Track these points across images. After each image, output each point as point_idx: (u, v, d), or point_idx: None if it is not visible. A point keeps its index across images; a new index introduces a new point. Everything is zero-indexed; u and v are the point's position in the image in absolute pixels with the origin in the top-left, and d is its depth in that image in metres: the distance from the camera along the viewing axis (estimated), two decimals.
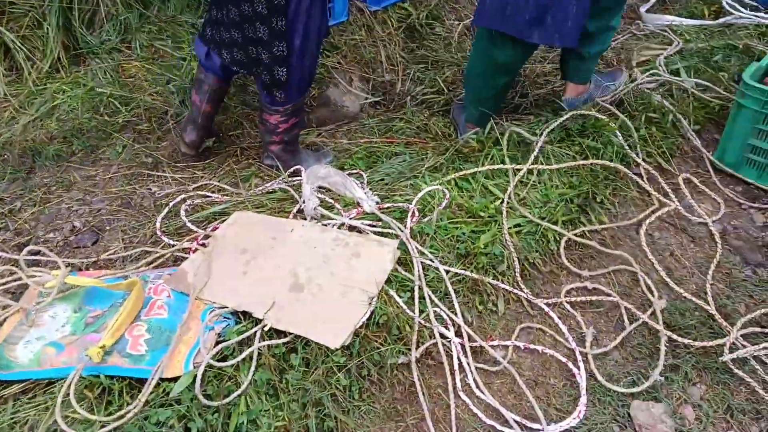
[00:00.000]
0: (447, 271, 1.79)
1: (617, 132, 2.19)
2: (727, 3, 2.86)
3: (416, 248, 1.83)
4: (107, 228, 2.10)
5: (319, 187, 2.13)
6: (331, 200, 2.06)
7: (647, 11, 2.89)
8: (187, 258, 1.85)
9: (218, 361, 1.52)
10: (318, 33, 2.01)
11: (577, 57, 2.30)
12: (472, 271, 1.82)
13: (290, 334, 1.58)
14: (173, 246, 1.93)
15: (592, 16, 2.12)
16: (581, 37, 2.21)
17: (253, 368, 1.50)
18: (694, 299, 1.79)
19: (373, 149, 2.43)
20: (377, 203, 2.04)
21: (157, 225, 2.03)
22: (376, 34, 2.90)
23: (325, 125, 2.61)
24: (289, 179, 2.21)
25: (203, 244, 1.90)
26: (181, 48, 2.72)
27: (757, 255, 1.94)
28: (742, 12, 2.81)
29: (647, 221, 2.03)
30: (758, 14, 2.79)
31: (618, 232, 2.03)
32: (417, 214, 1.98)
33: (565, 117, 2.26)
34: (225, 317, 1.63)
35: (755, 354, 1.65)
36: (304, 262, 1.78)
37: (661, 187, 2.12)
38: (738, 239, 1.99)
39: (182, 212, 2.05)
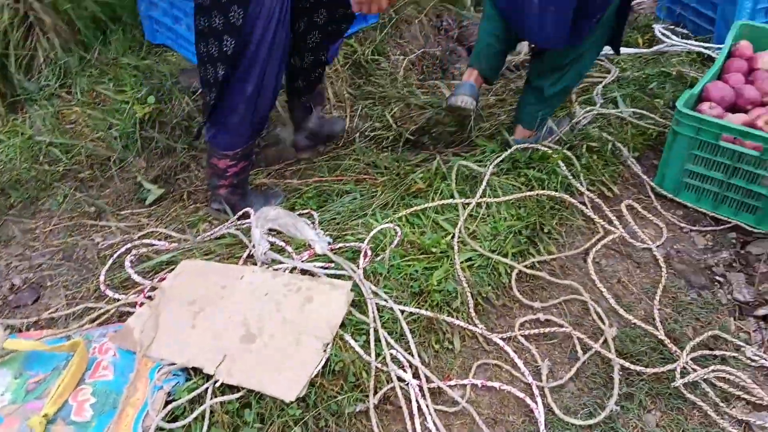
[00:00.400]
0: (402, 311, 1.79)
1: (560, 163, 2.24)
2: (659, 31, 2.97)
3: (370, 289, 1.82)
4: (48, 284, 2.02)
5: (270, 230, 2.10)
6: (281, 243, 2.03)
7: None
8: (133, 313, 1.79)
9: (169, 422, 1.47)
10: (275, 80, 1.99)
11: (537, 98, 2.31)
12: (426, 309, 1.82)
13: (243, 388, 1.54)
14: (118, 300, 1.87)
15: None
16: (547, 72, 2.25)
17: (205, 427, 1.46)
18: (643, 325, 1.83)
19: (323, 188, 2.41)
20: (329, 244, 2.02)
21: (101, 278, 1.96)
22: None
23: (273, 165, 2.59)
24: (238, 222, 2.17)
25: (150, 297, 1.85)
26: (123, 91, 2.67)
27: (700, 278, 2.00)
28: (674, 40, 2.93)
29: (594, 249, 2.07)
30: (689, 41, 2.92)
31: (567, 261, 2.06)
32: (369, 253, 1.97)
33: (511, 150, 2.31)
34: (174, 374, 1.58)
35: (705, 377, 1.68)
36: (256, 311, 1.75)
37: (605, 215, 2.18)
38: (681, 263, 2.05)
39: (127, 263, 1.99)
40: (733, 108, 2.25)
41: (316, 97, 2.38)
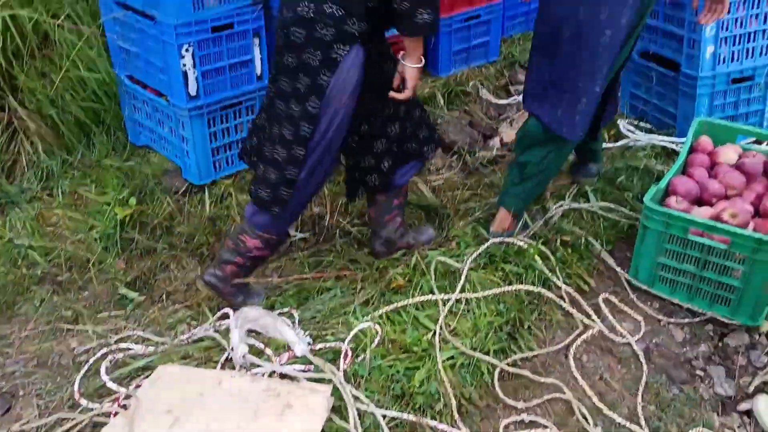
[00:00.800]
0: (384, 416, 1.76)
1: (536, 257, 2.29)
2: (624, 127, 3.12)
3: (351, 393, 1.79)
4: (21, 393, 1.97)
5: (249, 331, 2.08)
6: (261, 345, 2.02)
7: None
8: (107, 423, 1.74)
9: None
10: (323, 175, 2.13)
11: (520, 174, 2.38)
12: (409, 413, 1.79)
13: None
14: (92, 410, 1.82)
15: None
16: (530, 146, 2.33)
17: None
18: (628, 424, 1.81)
19: (303, 285, 2.42)
20: (309, 345, 2.01)
21: (76, 387, 1.91)
22: None
23: None
24: (217, 323, 2.15)
25: (124, 406, 1.80)
26: (105, 193, 2.71)
27: (681, 372, 2.01)
28: (639, 135, 3.08)
29: (574, 345, 2.08)
30: (653, 136, 3.06)
31: (548, 358, 2.06)
32: (350, 354, 1.96)
33: (486, 244, 2.35)
34: None
35: None
36: (234, 419, 1.71)
37: (583, 309, 2.20)
38: (661, 357, 2.06)
39: (102, 370, 1.95)
40: (699, 201, 2.33)
41: (393, 210, 2.39)
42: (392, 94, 2.04)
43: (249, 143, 2.21)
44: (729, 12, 2.29)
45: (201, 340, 2.09)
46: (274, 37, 2.77)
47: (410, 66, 1.99)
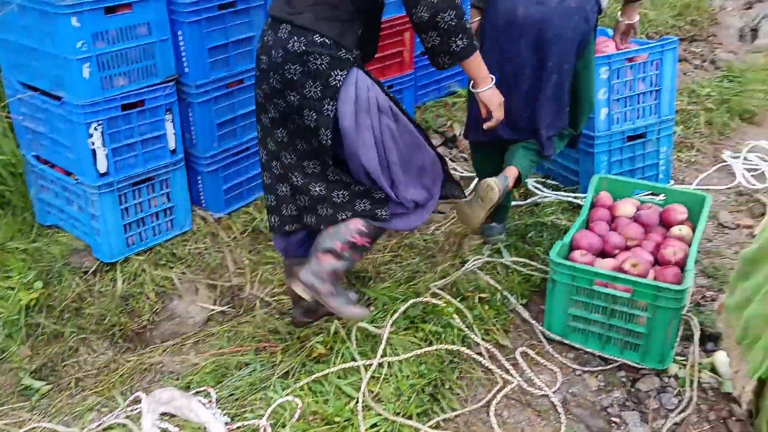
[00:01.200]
0: None
1: (455, 315, 2.32)
2: (532, 185, 3.27)
3: None
4: None
5: (163, 414, 2.00)
6: (175, 428, 1.93)
7: None
8: None
9: None
10: (404, 145, 2.02)
11: (534, 150, 2.59)
12: None
13: None
14: None
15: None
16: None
17: None
18: None
19: (221, 361, 2.35)
20: (226, 425, 1.94)
21: None
22: (220, 239, 2.95)
23: (169, 340, 2.51)
24: (128, 409, 2.06)
25: None
26: (9, 277, 2.57)
27: (598, 420, 2.05)
28: (546, 192, 3.23)
29: (495, 401, 2.10)
30: (559, 193, 3.22)
31: (470, 416, 2.07)
32: (269, 431, 1.90)
33: (405, 306, 2.38)
34: None
35: None
36: None
37: (502, 365, 2.23)
38: (578, 407, 2.11)
39: None
40: (603, 253, 2.45)
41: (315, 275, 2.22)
42: (487, 124, 2.10)
43: (287, 207, 2.10)
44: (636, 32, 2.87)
45: (111, 428, 1.98)
46: (190, 110, 2.82)
47: (481, 91, 2.03)
